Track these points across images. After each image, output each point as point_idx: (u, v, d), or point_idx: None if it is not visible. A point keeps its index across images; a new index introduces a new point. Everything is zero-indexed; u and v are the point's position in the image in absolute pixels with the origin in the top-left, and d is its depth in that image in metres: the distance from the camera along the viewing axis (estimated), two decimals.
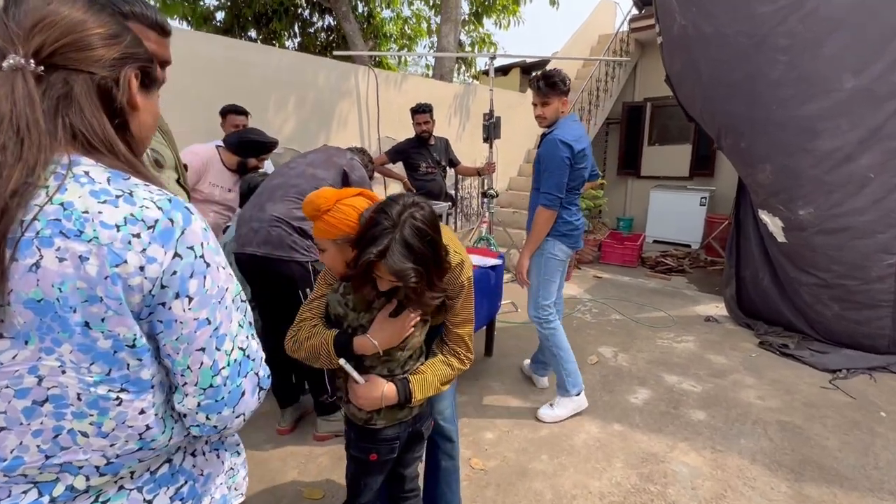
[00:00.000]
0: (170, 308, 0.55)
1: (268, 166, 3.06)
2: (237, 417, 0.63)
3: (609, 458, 2.06)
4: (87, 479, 0.57)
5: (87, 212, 0.51)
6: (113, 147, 0.55)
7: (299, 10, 7.70)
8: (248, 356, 0.64)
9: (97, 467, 0.57)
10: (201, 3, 7.07)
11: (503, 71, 8.75)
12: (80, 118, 0.53)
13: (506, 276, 5.01)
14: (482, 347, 2.99)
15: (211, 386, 0.59)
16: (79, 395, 0.54)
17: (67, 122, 0.52)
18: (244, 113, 2.99)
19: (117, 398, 0.55)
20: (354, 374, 1.10)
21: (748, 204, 3.47)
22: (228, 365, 0.60)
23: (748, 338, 3.36)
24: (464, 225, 5.61)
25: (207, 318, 0.58)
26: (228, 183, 2.52)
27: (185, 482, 0.66)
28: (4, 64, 0.49)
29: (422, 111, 3.55)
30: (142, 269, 0.53)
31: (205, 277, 0.57)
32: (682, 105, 3.58)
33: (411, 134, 3.70)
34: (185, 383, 0.59)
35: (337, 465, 1.98)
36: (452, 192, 4.93)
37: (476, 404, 2.48)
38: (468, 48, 8.01)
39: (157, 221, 0.54)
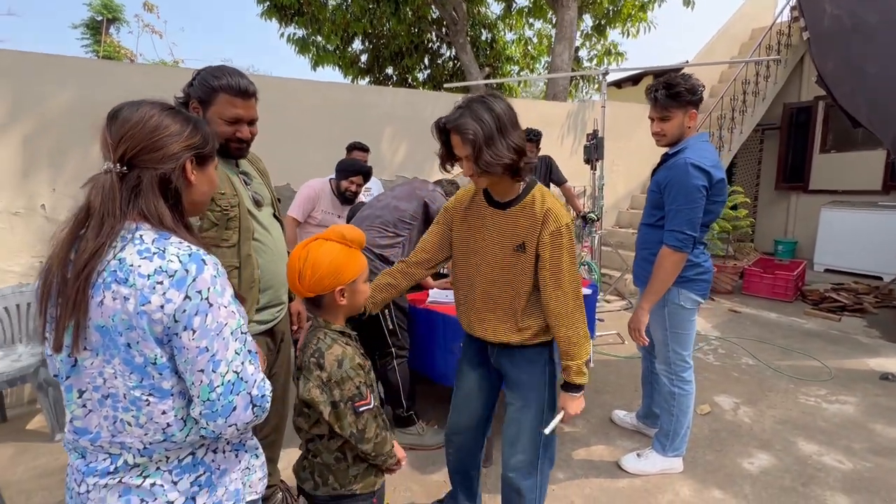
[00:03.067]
0: (180, 337, 0.74)
1: (376, 189, 3.43)
2: (229, 427, 0.77)
3: None
4: (133, 457, 0.78)
5: (132, 265, 0.72)
6: (162, 221, 0.78)
7: (429, 45, 8.39)
8: (241, 378, 0.78)
9: (138, 450, 0.78)
10: (349, 51, 8.22)
11: (633, 80, 8.17)
12: (144, 202, 0.77)
13: (616, 303, 4.64)
14: None
15: (208, 399, 0.75)
16: (125, 394, 0.76)
17: (137, 205, 0.77)
18: (366, 150, 3.42)
19: (147, 400, 0.76)
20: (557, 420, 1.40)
21: None
22: (222, 384, 0.76)
23: None
24: None
25: (206, 347, 0.75)
26: (338, 210, 2.90)
27: (204, 472, 0.83)
28: (104, 167, 0.76)
29: (528, 138, 3.56)
30: (162, 307, 0.72)
31: (206, 315, 0.75)
32: (844, 109, 2.93)
33: None
34: (193, 395, 0.76)
35: (409, 475, 2.11)
36: None
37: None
38: (588, 63, 7.71)
39: (176, 272, 0.73)
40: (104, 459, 0.79)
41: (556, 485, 2.04)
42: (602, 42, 7.59)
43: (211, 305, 0.75)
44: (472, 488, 1.73)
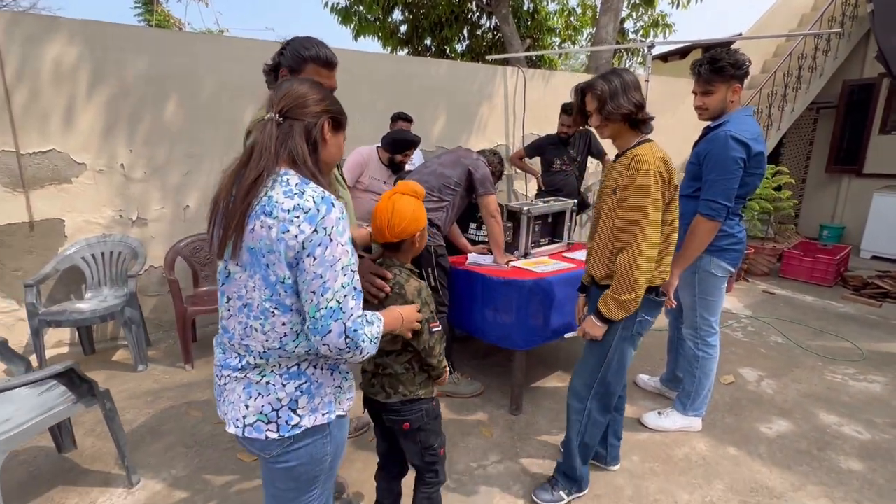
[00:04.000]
0: (303, 262, 0.88)
1: (417, 159, 3.59)
2: (324, 345, 0.91)
3: (710, 478, 1.92)
4: (254, 359, 0.96)
5: (277, 201, 0.89)
6: (305, 161, 0.94)
7: (469, 15, 8.29)
8: (341, 308, 0.90)
9: (259, 353, 0.96)
10: (389, 21, 8.24)
11: (681, 54, 7.85)
12: (292, 144, 0.94)
13: None
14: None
15: (313, 317, 0.90)
16: (258, 305, 0.93)
17: (286, 148, 0.93)
18: (409, 120, 3.56)
19: (272, 311, 0.93)
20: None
21: None
22: (325, 308, 0.90)
23: None
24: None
25: (321, 274, 0.89)
26: (384, 176, 3.08)
27: (305, 382, 0.99)
28: (267, 116, 0.94)
29: (567, 112, 3.58)
30: (296, 236, 0.87)
31: (326, 248, 0.89)
32: None
33: (553, 131, 3.80)
34: (305, 312, 0.92)
35: (446, 417, 2.32)
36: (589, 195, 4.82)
37: None
38: (634, 35, 7.44)
39: (310, 209, 0.88)
40: (235, 357, 0.99)
41: None
42: (650, 13, 7.30)
43: (331, 241, 0.89)
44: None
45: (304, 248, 0.88)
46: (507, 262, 2.51)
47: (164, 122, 3.17)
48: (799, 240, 5.47)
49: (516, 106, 4.65)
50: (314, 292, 0.89)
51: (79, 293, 3.06)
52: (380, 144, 3.10)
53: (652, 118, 1.52)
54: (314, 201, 0.89)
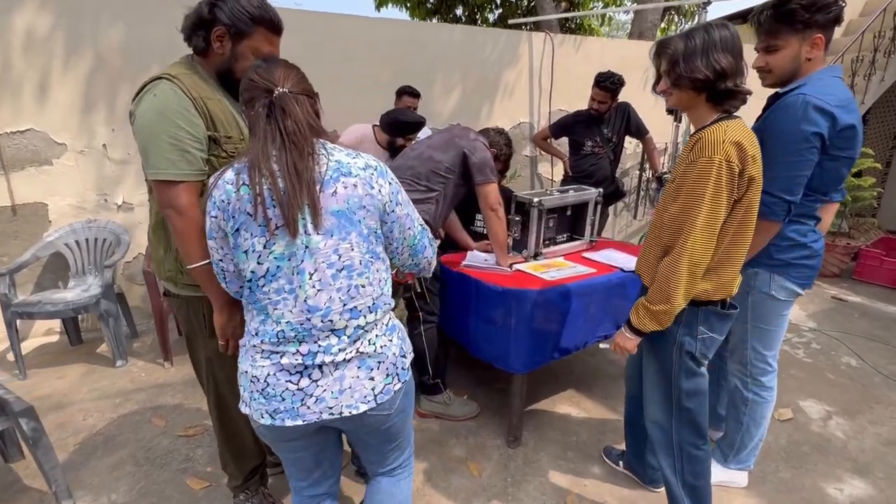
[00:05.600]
0: (394, 211, 1.04)
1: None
2: (424, 258, 1.18)
3: None
4: (365, 317, 0.99)
5: (348, 163, 0.97)
6: (323, 132, 0.99)
7: None
8: (422, 228, 1.15)
9: (368, 307, 1.00)
10: None
11: (742, 17, 6.85)
12: (314, 120, 0.97)
13: None
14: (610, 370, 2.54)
15: (412, 245, 1.12)
16: (360, 261, 0.98)
17: (311, 122, 0.96)
18: (416, 95, 3.14)
19: (370, 262, 1.00)
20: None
21: None
22: (418, 233, 1.13)
23: None
24: (629, 222, 4.78)
25: (408, 213, 1.08)
26: (381, 159, 2.71)
27: (398, 331, 1.09)
28: (278, 91, 0.93)
29: (603, 85, 3.02)
30: (380, 191, 1.00)
31: (400, 192, 1.06)
32: None
33: (584, 107, 3.26)
34: (398, 248, 1.10)
35: (428, 446, 2.00)
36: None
37: (595, 427, 2.13)
38: None
39: (376, 167, 1.01)
40: (332, 337, 0.96)
41: (588, 479, 1.82)
42: None
43: (399, 185, 1.08)
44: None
45: (390, 199, 1.03)
46: (511, 265, 2.09)
47: None
48: (880, 235, 4.65)
49: (542, 78, 4.10)
50: (409, 228, 1.10)
51: (66, 280, 2.92)
52: (377, 123, 2.72)
53: (746, 92, 1.18)
54: (375, 161, 1.03)
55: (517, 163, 4.15)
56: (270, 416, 0.96)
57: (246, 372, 0.99)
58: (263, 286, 0.94)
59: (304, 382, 0.95)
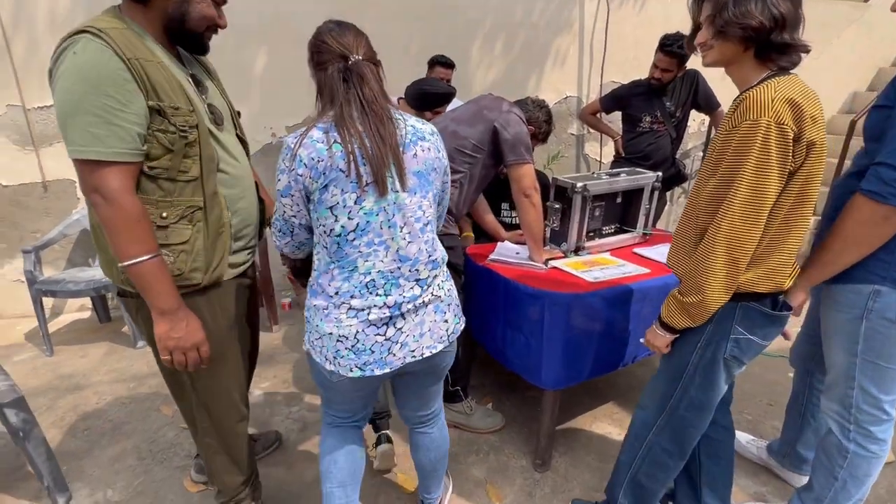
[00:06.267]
0: (447, 172, 1.14)
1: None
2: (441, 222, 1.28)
3: None
4: (437, 269, 1.10)
5: (421, 128, 1.06)
6: (389, 98, 1.02)
7: None
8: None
9: (440, 259, 1.11)
10: None
11: None
12: (381, 85, 1.00)
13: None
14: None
15: (446, 204, 1.25)
16: (432, 217, 1.09)
17: (384, 91, 1.00)
18: (450, 65, 2.84)
19: (434, 219, 1.11)
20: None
21: None
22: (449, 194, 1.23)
23: None
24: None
25: (450, 176, 1.22)
26: None
27: (448, 278, 1.16)
28: (353, 59, 0.97)
29: (669, 50, 2.54)
30: (443, 154, 1.11)
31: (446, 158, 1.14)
32: None
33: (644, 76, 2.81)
34: (443, 208, 1.23)
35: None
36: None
37: None
38: None
39: (438, 133, 1.11)
40: (414, 285, 1.05)
41: None
42: None
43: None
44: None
45: (448, 163, 1.15)
46: (546, 261, 1.79)
47: None
48: None
49: (594, 44, 3.64)
50: (449, 190, 1.22)
51: (95, 258, 2.93)
52: (402, 96, 2.45)
53: (803, 48, 0.98)
54: (431, 125, 1.11)
55: (562, 142, 3.76)
56: (360, 368, 1.03)
57: (331, 334, 1.02)
58: (354, 240, 0.99)
59: (391, 332, 1.03)
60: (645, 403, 1.30)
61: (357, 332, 1.01)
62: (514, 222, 2.27)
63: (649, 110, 2.77)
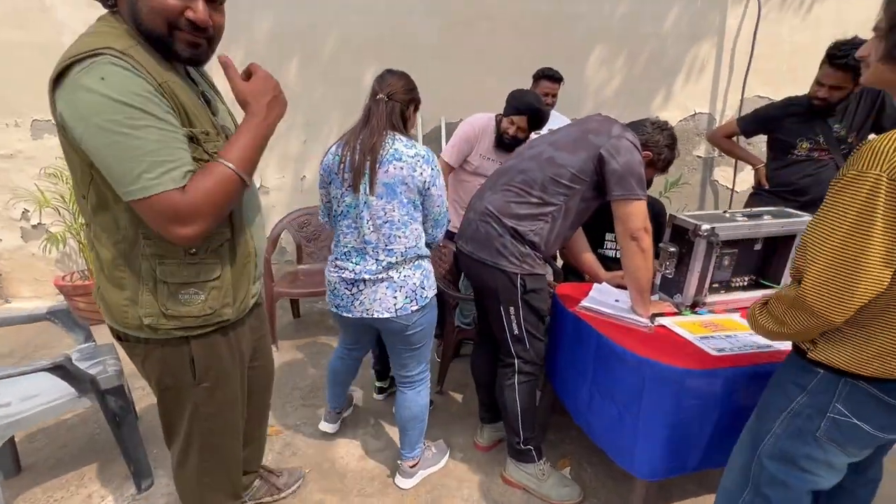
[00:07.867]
0: (430, 190, 1.42)
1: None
2: (440, 230, 1.53)
3: None
4: (395, 259, 1.41)
5: (401, 150, 1.37)
6: (405, 132, 1.43)
7: None
8: (445, 209, 1.50)
9: (401, 252, 1.42)
10: None
11: None
12: (395, 119, 1.40)
13: None
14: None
15: (436, 219, 1.49)
16: (398, 219, 1.39)
17: (390, 120, 1.39)
18: (557, 79, 2.62)
19: (409, 221, 1.41)
20: None
21: None
22: (442, 212, 1.49)
23: None
24: None
25: (440, 194, 1.45)
26: (500, 156, 2.28)
27: (422, 271, 1.48)
28: (378, 96, 1.40)
29: (839, 63, 1.96)
30: (422, 174, 1.38)
31: (438, 179, 1.43)
32: None
33: (801, 92, 2.28)
34: (431, 220, 1.48)
35: None
36: None
37: None
38: None
39: (424, 155, 1.39)
40: (373, 263, 1.41)
41: None
42: None
43: (440, 173, 1.44)
44: None
45: (429, 181, 1.40)
46: (653, 317, 1.47)
47: (285, 84, 3.01)
48: None
49: (737, 54, 3.09)
50: (438, 206, 1.47)
51: None
52: (501, 113, 2.29)
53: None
54: (425, 151, 1.41)
55: (685, 165, 3.27)
56: (336, 308, 1.51)
57: (329, 280, 1.51)
58: (340, 222, 1.45)
59: (354, 291, 1.45)
60: (725, 482, 1.13)
61: (336, 283, 1.48)
62: (618, 256, 1.96)
63: (809, 134, 2.22)
